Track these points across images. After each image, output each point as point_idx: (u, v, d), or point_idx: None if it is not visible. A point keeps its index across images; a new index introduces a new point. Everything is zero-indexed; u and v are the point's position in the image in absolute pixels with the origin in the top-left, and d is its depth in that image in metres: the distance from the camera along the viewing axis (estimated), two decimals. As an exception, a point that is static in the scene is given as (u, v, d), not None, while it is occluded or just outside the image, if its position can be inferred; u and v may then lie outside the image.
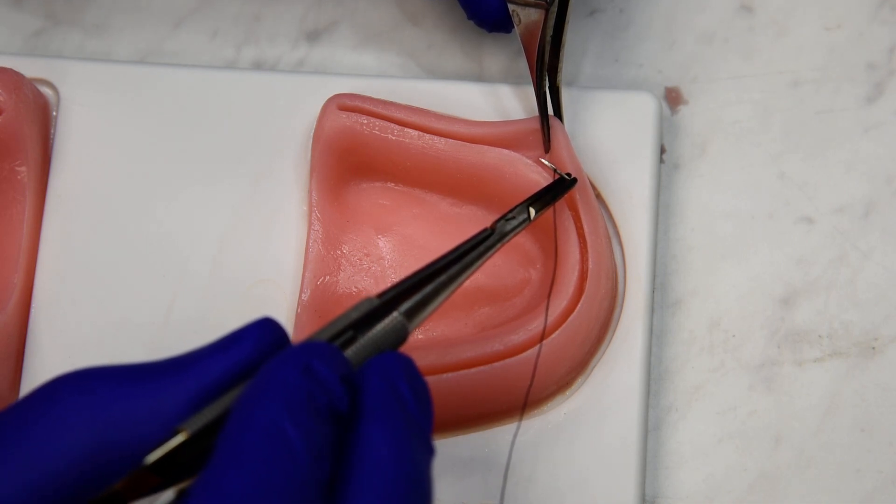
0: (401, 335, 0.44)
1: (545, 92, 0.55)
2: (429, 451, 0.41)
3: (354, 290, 0.56)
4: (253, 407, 0.39)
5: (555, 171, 0.54)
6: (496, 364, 0.52)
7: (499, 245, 0.49)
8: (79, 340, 0.55)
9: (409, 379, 0.41)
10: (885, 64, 0.60)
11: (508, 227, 0.50)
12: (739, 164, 0.59)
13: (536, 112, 0.55)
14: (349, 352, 0.43)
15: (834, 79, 0.60)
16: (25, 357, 0.55)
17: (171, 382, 0.41)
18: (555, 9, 0.53)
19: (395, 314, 0.44)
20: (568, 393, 0.54)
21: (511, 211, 0.50)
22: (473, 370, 0.52)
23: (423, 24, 0.61)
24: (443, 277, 0.46)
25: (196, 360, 0.41)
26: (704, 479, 0.55)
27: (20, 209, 0.56)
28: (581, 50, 0.60)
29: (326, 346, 0.41)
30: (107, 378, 0.41)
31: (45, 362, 0.55)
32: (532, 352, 0.52)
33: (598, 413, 0.54)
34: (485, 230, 0.49)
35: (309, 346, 0.41)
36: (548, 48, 0.54)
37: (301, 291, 0.55)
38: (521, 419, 0.54)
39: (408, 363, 0.42)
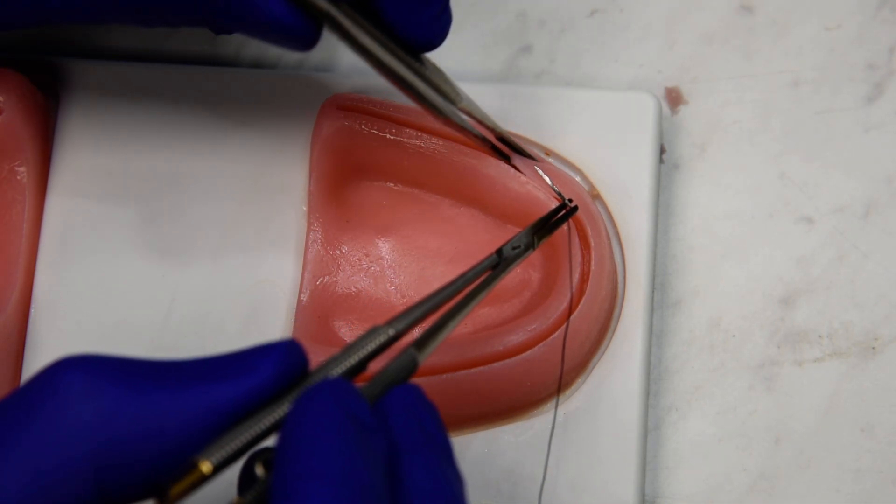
0: (412, 369, 0.43)
1: (500, 147, 0.55)
2: (460, 481, 0.41)
3: (354, 290, 0.56)
4: (322, 452, 0.38)
5: (559, 194, 0.54)
6: (496, 364, 0.52)
7: (504, 273, 0.49)
8: (79, 340, 0.55)
9: (428, 411, 0.42)
10: (885, 64, 0.60)
11: (514, 254, 0.50)
12: (739, 164, 0.59)
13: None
14: (364, 387, 0.42)
15: (834, 79, 0.60)
16: (25, 357, 0.55)
17: (186, 398, 0.39)
18: None
19: (409, 349, 0.44)
20: (568, 393, 0.54)
21: (516, 238, 0.50)
22: (473, 370, 0.52)
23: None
24: (452, 307, 0.46)
25: (212, 377, 0.40)
26: (704, 479, 0.55)
27: (20, 209, 0.56)
28: (581, 50, 0.60)
29: (349, 386, 0.40)
30: (114, 378, 0.40)
31: (45, 362, 0.55)
32: (532, 352, 0.52)
33: (597, 413, 0.54)
34: (491, 256, 0.49)
35: (335, 384, 0.40)
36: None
37: (300, 292, 0.55)
38: (556, 405, 0.54)
39: (419, 394, 0.42)
